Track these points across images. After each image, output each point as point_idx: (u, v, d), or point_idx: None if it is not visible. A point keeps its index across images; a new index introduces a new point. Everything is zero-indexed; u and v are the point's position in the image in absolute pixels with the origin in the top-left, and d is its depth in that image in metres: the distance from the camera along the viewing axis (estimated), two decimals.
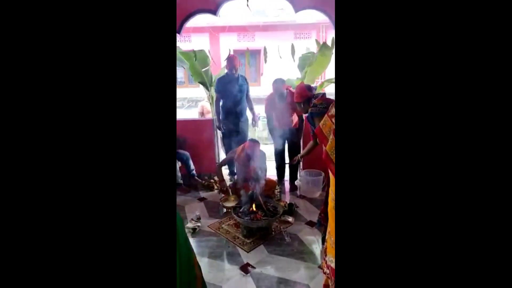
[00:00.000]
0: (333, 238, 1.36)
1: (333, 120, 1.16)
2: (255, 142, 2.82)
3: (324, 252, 1.64)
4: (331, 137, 1.13)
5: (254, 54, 8.40)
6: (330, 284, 1.43)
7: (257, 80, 8.41)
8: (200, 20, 7.84)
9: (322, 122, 1.24)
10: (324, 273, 1.61)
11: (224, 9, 3.14)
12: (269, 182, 2.91)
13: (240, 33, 7.86)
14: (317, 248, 2.14)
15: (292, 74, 3.72)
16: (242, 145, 2.92)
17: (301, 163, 3.42)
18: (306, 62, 3.48)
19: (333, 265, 1.38)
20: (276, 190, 2.96)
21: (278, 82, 2.95)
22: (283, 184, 3.30)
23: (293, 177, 3.28)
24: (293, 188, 3.21)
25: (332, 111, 1.19)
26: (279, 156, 3.24)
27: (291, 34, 8.34)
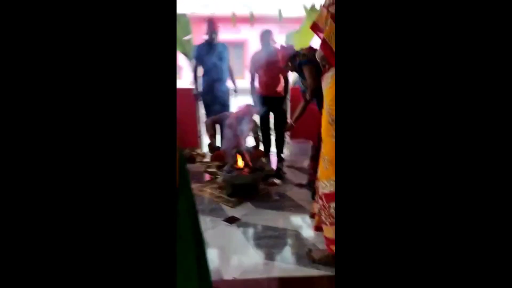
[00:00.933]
0: (327, 157, 1.23)
1: (330, 8, 1.06)
2: (251, 105, 2.69)
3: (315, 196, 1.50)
4: (329, 23, 1.03)
5: (239, 46, 8.35)
6: (323, 216, 1.28)
7: (242, 73, 8.33)
8: (183, 9, 7.71)
9: (317, 15, 1.15)
10: (316, 214, 1.47)
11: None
12: (255, 151, 2.77)
13: (225, 24, 7.79)
14: (307, 202, 2.00)
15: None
16: (237, 110, 2.77)
17: (287, 137, 3.31)
18: (292, 34, 3.42)
19: (326, 190, 1.24)
20: (262, 160, 2.82)
21: (266, 33, 2.78)
22: (269, 157, 3.16)
23: (279, 150, 3.15)
24: (280, 160, 3.08)
25: (327, 2, 1.09)
26: (264, 126, 3.09)
27: (276, 27, 8.41)
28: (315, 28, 1.14)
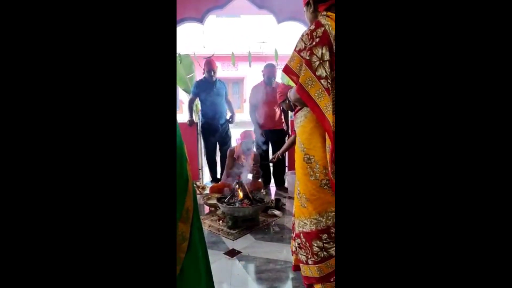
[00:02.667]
0: (305, 195, 1.21)
1: (302, 54, 1.09)
2: (249, 130, 2.81)
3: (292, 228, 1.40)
4: (304, 69, 1.06)
5: (237, 82, 8.73)
6: (303, 254, 1.23)
7: (241, 107, 8.61)
8: (185, 49, 8.22)
9: (289, 59, 1.14)
10: (293, 252, 1.38)
11: (209, 40, 3.29)
12: (255, 183, 2.80)
13: (224, 62, 8.24)
14: None
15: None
16: (237, 144, 2.88)
17: (286, 168, 3.36)
18: None
19: (306, 229, 1.20)
20: (262, 192, 2.84)
21: (269, 66, 2.93)
22: (269, 189, 3.18)
23: (279, 181, 3.18)
24: (281, 190, 3.10)
25: (299, 46, 1.11)
26: (263, 158, 3.15)
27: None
28: (288, 71, 1.13)
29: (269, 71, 2.96)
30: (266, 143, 3.04)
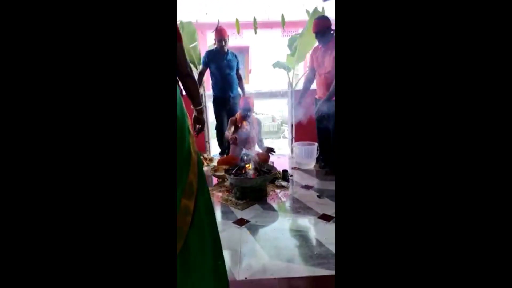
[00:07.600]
0: None
1: None
2: (246, 97, 2.82)
3: None
4: None
5: (243, 52, 8.44)
6: None
7: (246, 77, 8.41)
8: (187, 17, 7.86)
9: None
10: None
11: (211, 7, 3.05)
12: (260, 155, 2.80)
13: (229, 30, 7.90)
14: (315, 204, 2.03)
15: (282, 56, 3.70)
16: (237, 113, 2.86)
17: (293, 138, 3.34)
18: (295, 39, 3.46)
19: None
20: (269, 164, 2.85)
21: (321, 18, 2.30)
22: None
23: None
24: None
25: None
26: (321, 133, 2.57)
27: (279, 31, 8.42)
28: None
29: (318, 24, 2.21)
30: (323, 116, 2.38)
